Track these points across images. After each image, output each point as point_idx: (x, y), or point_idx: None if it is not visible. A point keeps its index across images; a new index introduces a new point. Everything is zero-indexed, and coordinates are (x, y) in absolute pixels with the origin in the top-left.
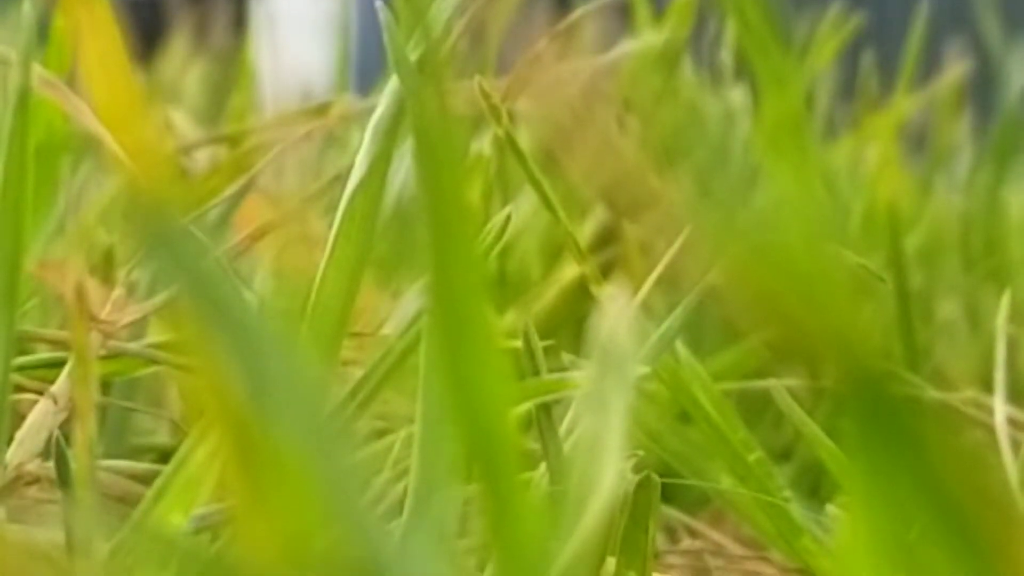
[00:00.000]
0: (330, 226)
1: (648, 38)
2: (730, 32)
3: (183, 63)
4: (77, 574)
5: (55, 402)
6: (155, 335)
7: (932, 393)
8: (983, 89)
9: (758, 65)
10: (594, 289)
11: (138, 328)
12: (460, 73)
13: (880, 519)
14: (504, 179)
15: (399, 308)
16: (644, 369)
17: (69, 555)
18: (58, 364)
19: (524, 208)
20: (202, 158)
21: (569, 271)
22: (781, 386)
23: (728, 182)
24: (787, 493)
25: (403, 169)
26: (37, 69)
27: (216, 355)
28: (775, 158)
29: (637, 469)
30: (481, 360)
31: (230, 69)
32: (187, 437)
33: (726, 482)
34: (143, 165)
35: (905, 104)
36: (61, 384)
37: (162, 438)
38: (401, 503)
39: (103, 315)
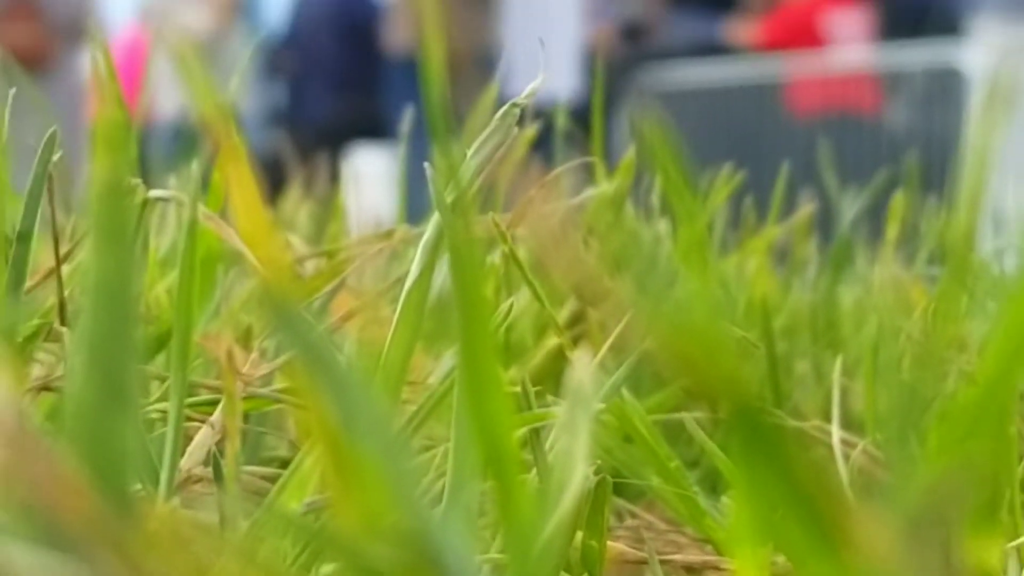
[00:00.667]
0: (394, 312)
1: (603, 187)
2: (658, 183)
3: (297, 204)
4: (227, 544)
5: (213, 428)
6: (280, 383)
7: (790, 423)
8: (825, 222)
9: (676, 205)
10: (568, 353)
11: (268, 378)
12: (479, 210)
13: (757, 506)
14: (508, 280)
15: (440, 366)
16: (600, 406)
17: (222, 530)
18: (215, 402)
19: (522, 299)
20: (310, 267)
21: (552, 341)
22: (691, 417)
23: (656, 283)
24: (696, 489)
25: (442, 274)
26: (201, 207)
27: (320, 396)
28: (687, 267)
29: (596, 472)
30: (493, 400)
31: (328, 208)
32: (300, 451)
33: (655, 481)
34: (271, 271)
35: (773, 231)
36: (217, 416)
37: (283, 452)
38: (441, 494)
39: (245, 370)
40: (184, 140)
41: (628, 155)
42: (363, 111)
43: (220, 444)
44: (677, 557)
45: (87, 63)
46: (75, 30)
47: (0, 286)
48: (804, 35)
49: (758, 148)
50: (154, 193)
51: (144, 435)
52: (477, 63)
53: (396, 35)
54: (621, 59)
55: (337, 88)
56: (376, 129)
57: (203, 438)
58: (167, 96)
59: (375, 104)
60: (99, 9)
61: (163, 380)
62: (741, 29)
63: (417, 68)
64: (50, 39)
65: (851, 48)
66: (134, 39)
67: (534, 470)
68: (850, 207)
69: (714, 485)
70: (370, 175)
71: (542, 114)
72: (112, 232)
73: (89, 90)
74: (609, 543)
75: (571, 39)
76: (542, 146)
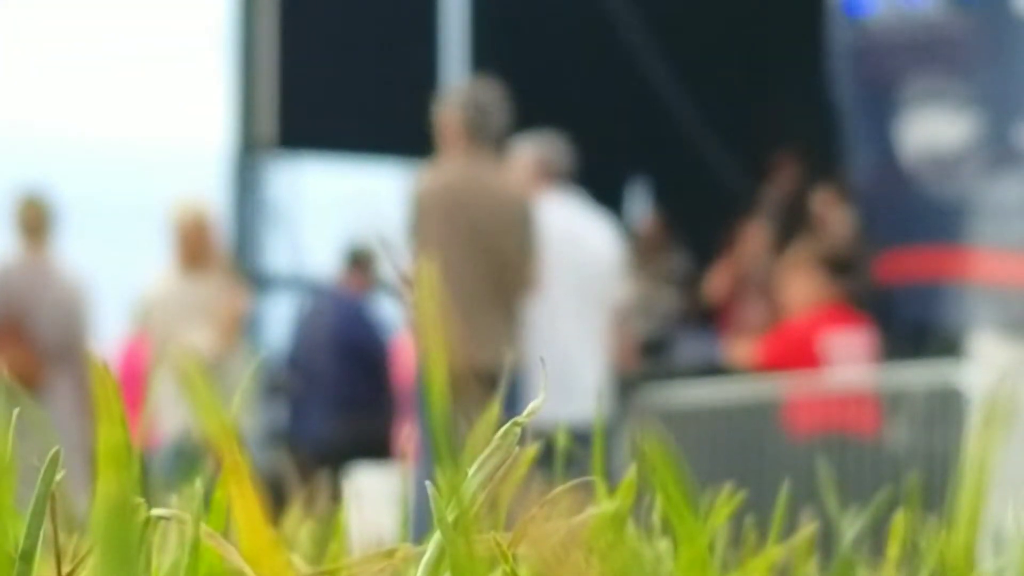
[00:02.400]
0: None
1: (604, 506)
2: (658, 503)
3: (298, 523)
4: None
5: None
6: None
7: None
8: (826, 541)
9: (677, 525)
10: None
11: None
12: (481, 528)
13: None
14: None
15: None
16: None
17: None
18: None
19: None
20: None
21: None
22: None
23: None
24: None
25: None
26: (203, 526)
27: None
28: None
29: None
30: None
31: (329, 527)
32: None
33: None
34: None
35: (774, 551)
36: None
37: None
38: None
39: None
40: (186, 459)
41: (629, 474)
42: (364, 430)
43: None
44: None
45: (81, 384)
46: (66, 354)
47: None
48: (803, 355)
49: (758, 467)
50: (157, 512)
51: None
52: (496, 378)
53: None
54: (626, 379)
55: (338, 407)
56: (377, 448)
57: None
58: (168, 415)
59: (377, 423)
60: (91, 331)
61: None
62: (740, 349)
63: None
64: (41, 363)
65: (851, 368)
66: (131, 352)
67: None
68: (851, 526)
69: None
70: (372, 494)
71: (543, 434)
72: (117, 551)
73: (84, 411)
74: None
75: (594, 362)
76: (550, 464)
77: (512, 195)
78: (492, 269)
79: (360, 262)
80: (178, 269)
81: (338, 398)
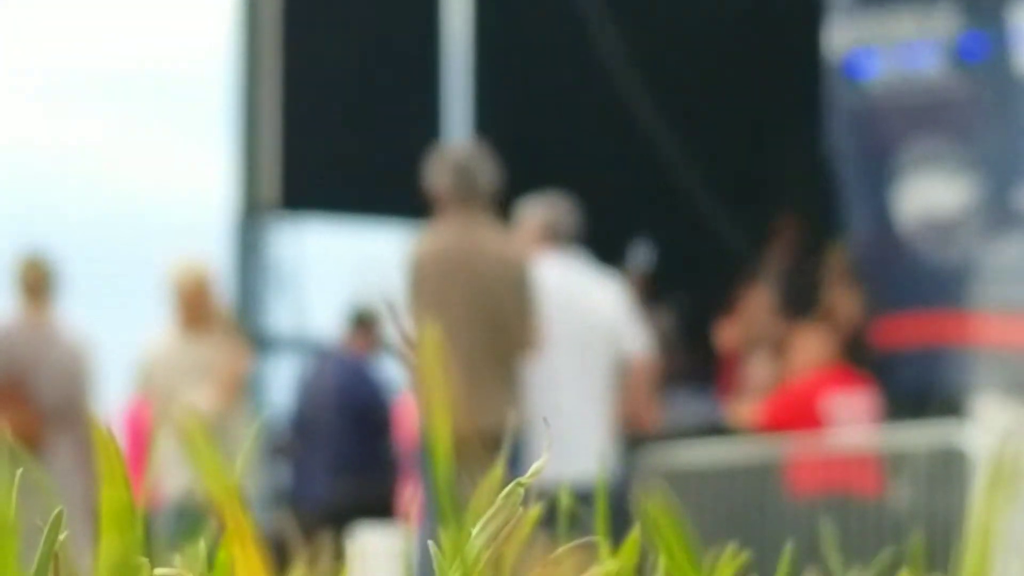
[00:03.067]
0: None
1: (608, 565)
2: (662, 563)
3: None
4: None
5: None
6: None
7: None
8: None
9: None
10: None
11: None
12: None
13: None
14: None
15: None
16: None
17: None
18: None
19: None
20: None
21: None
22: None
23: None
24: None
25: None
26: None
27: None
28: None
29: None
30: None
31: None
32: None
33: None
34: None
35: None
36: None
37: None
38: None
39: None
40: (188, 520)
41: (632, 534)
42: (367, 491)
43: None
44: None
45: (82, 444)
46: (68, 414)
47: None
48: (805, 416)
49: (761, 528)
50: (160, 572)
51: None
52: (493, 441)
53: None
54: (629, 438)
55: (341, 468)
56: (380, 508)
57: None
58: (171, 475)
59: (380, 484)
60: (93, 392)
61: None
62: (743, 409)
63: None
64: (42, 424)
65: (853, 429)
66: (134, 413)
67: None
68: None
69: None
70: (375, 554)
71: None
72: None
73: (86, 471)
74: None
75: (597, 421)
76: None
77: (508, 256)
78: (490, 331)
79: (364, 323)
80: (178, 329)
81: (341, 459)
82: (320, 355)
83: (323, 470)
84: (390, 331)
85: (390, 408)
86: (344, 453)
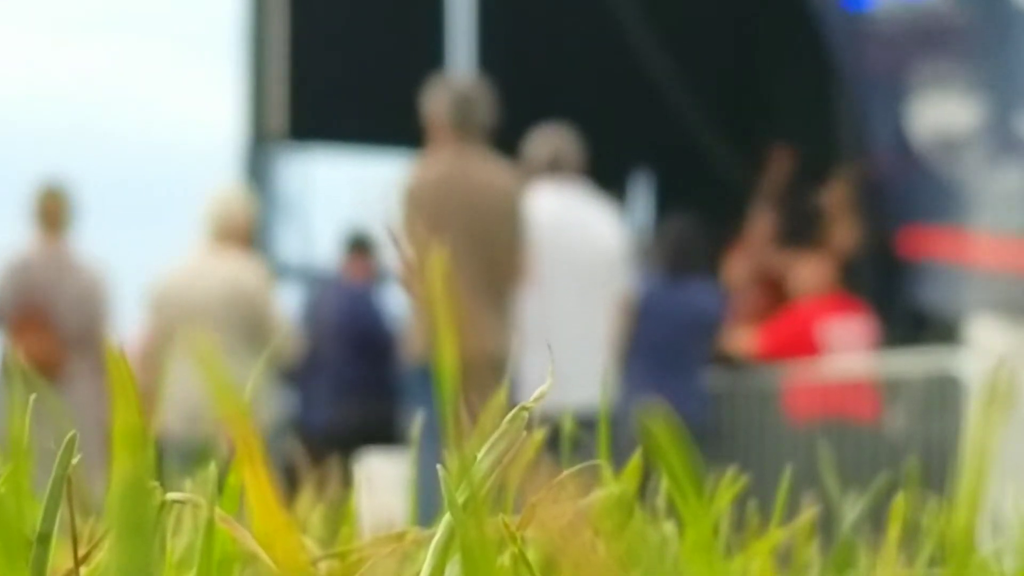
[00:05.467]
0: None
1: (610, 489)
2: (664, 486)
3: (310, 507)
4: None
5: None
6: None
7: None
8: (827, 524)
9: (682, 508)
10: None
11: None
12: (489, 512)
13: None
14: None
15: None
16: None
17: None
18: None
19: None
20: (323, 567)
21: None
22: None
23: None
24: None
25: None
26: (217, 510)
27: None
28: (693, 569)
29: None
30: None
31: (340, 512)
32: None
33: None
34: (287, 571)
35: (777, 534)
36: None
37: None
38: None
39: None
40: (196, 448)
41: (635, 458)
42: (372, 416)
43: None
44: None
45: (101, 371)
46: (87, 341)
47: None
48: (803, 344)
49: (760, 453)
50: (171, 495)
51: None
52: (495, 367)
53: (412, 343)
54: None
55: (347, 394)
56: (387, 433)
57: None
58: (175, 407)
59: (384, 409)
60: (111, 319)
61: None
62: (742, 337)
63: (430, 375)
64: (61, 351)
65: (850, 356)
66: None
67: None
68: (851, 510)
69: None
70: (382, 479)
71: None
72: (132, 534)
73: (104, 398)
74: None
75: (597, 348)
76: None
77: (500, 187)
78: (485, 259)
79: (361, 249)
80: (207, 251)
81: (347, 385)
82: (321, 283)
83: (327, 396)
84: (388, 256)
85: (391, 333)
86: (347, 379)
